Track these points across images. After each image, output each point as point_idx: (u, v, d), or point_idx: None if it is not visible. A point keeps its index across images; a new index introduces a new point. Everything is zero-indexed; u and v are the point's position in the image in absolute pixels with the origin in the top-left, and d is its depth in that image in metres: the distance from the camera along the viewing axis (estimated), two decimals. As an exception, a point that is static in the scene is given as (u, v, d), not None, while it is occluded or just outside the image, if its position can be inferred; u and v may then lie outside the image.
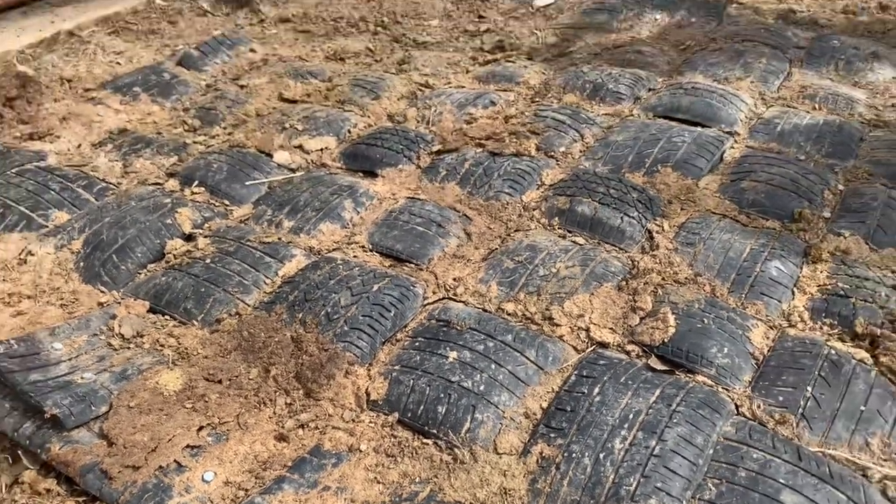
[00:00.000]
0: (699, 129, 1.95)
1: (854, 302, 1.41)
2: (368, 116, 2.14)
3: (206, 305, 1.47)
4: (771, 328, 1.39)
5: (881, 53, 2.33)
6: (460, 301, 1.47)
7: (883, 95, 2.14)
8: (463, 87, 2.29)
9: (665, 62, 2.35)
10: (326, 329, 1.37)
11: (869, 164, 1.81)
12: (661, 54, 2.40)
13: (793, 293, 1.46)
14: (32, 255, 1.62)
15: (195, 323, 1.45)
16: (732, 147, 1.90)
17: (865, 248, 1.56)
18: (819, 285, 1.48)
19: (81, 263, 1.60)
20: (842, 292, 1.44)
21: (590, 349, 1.35)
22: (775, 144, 1.89)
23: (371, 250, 1.62)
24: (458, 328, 1.36)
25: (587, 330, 1.39)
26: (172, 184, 1.85)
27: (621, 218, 1.65)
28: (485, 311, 1.43)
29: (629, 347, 1.35)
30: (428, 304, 1.46)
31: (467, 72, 2.41)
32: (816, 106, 2.07)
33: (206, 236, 1.66)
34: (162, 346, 1.39)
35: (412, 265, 1.57)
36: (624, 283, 1.50)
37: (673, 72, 2.29)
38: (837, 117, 2.00)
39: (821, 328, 1.39)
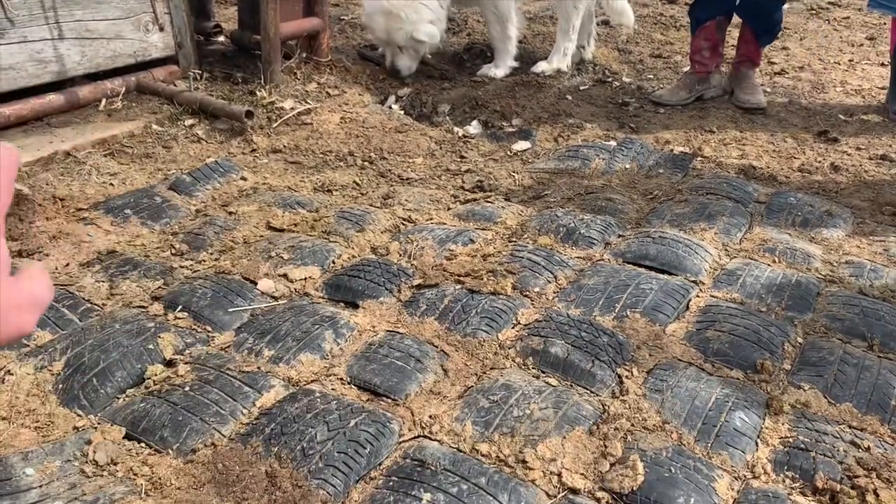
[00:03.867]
0: (666, 276, 2.05)
1: (814, 456, 1.47)
2: (353, 248, 2.22)
3: (183, 434, 1.48)
4: (736, 479, 1.43)
5: (834, 212, 2.50)
6: (435, 440, 1.49)
7: (837, 252, 2.28)
8: (444, 223, 2.39)
9: (634, 210, 2.49)
10: (301, 465, 1.38)
11: (826, 319, 1.91)
12: (630, 202, 2.54)
13: (756, 444, 1.51)
14: (11, 374, 1.62)
15: (170, 452, 1.45)
16: (698, 296, 2.00)
17: (824, 402, 1.63)
18: (781, 437, 1.53)
19: (60, 385, 1.60)
20: (802, 445, 1.50)
21: (561, 495, 1.38)
22: (738, 295, 2.00)
23: (349, 383, 1.65)
24: (433, 469, 1.38)
25: (559, 475, 1.42)
26: (157, 307, 1.89)
27: (592, 361, 1.71)
28: (459, 451, 1.46)
29: (599, 494, 1.38)
30: (403, 441, 1.49)
31: (448, 209, 2.52)
32: (776, 259, 2.20)
33: (186, 363, 1.68)
34: (135, 474, 1.39)
35: (389, 400, 1.60)
36: (595, 427, 1.54)
37: (641, 220, 2.43)
38: (796, 271, 2.12)
39: (783, 481, 1.44)
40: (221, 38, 4.10)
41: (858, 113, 3.56)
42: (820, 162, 3.00)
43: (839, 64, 4.33)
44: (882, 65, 4.24)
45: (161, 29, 3.27)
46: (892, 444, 1.52)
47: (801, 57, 4.44)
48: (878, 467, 1.42)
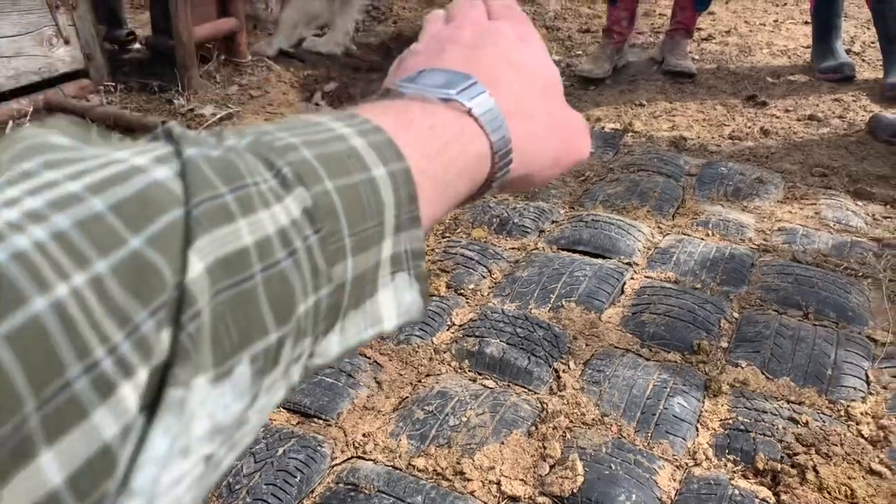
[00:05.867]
0: (600, 260, 2.02)
1: (754, 436, 1.45)
2: (280, 259, 2.14)
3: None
4: (677, 468, 1.41)
5: (765, 178, 2.50)
6: (370, 459, 1.44)
7: (769, 219, 2.27)
8: (374, 223, 2.32)
9: (567, 193, 2.46)
10: (228, 501, 1.32)
11: (761, 290, 1.90)
12: (563, 185, 2.51)
13: (697, 430, 1.49)
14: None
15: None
16: (632, 278, 1.97)
17: (762, 379, 1.62)
18: (721, 419, 1.51)
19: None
20: (742, 426, 1.48)
21: (501, 504, 1.34)
22: (672, 274, 1.98)
23: (278, 406, 1.59)
24: (366, 492, 1.33)
25: (498, 483, 1.37)
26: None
27: (528, 358, 1.67)
28: (395, 468, 1.41)
29: (540, 500, 1.34)
30: (336, 464, 1.43)
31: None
32: (709, 233, 2.18)
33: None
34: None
35: (321, 421, 1.54)
36: (534, 427, 1.50)
37: (574, 203, 2.39)
38: (729, 244, 2.11)
39: (725, 465, 1.42)
40: (137, 46, 3.93)
41: (785, 74, 3.57)
42: (750, 127, 3.00)
43: (765, 25, 4.35)
44: (806, 23, 4.27)
45: (66, 42, 3.11)
46: (830, 415, 1.52)
47: (728, 21, 4.45)
48: (816, 442, 1.41)
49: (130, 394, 0.23)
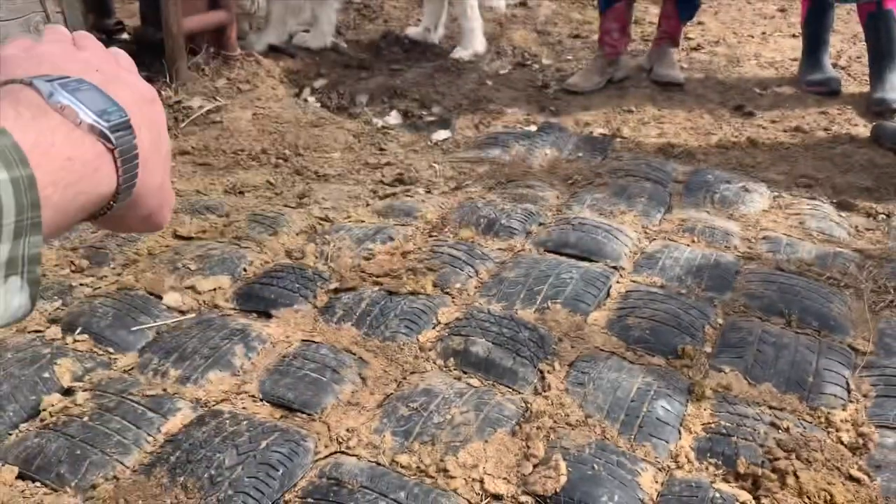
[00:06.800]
0: (587, 264, 2.03)
1: (736, 441, 1.46)
2: (266, 253, 2.13)
3: (81, 470, 1.38)
4: (659, 471, 1.41)
5: (751, 187, 2.52)
6: (353, 455, 1.43)
7: (754, 228, 2.29)
8: (362, 221, 2.32)
9: (554, 196, 2.47)
10: (209, 494, 1.30)
11: (745, 298, 1.92)
12: (550, 188, 2.51)
13: (679, 433, 1.50)
14: None
15: (68, 490, 1.35)
16: (618, 282, 1.98)
17: (745, 384, 1.63)
18: (703, 423, 1.52)
19: (-57, 427, 1.48)
20: (724, 431, 1.49)
21: (484, 502, 1.34)
22: (658, 279, 1.99)
23: (262, 400, 1.57)
24: (350, 487, 1.32)
25: (481, 481, 1.37)
26: (54, 331, 1.76)
27: (513, 358, 1.68)
28: (378, 464, 1.40)
29: (523, 499, 1.34)
30: (319, 459, 1.42)
31: (367, 205, 2.45)
32: (695, 239, 2.20)
33: (85, 390, 1.57)
34: (27, 520, 1.29)
35: (305, 415, 1.53)
36: (518, 427, 1.50)
37: (562, 206, 2.40)
38: (714, 250, 2.13)
39: (706, 469, 1.43)
40: (125, 36, 3.89)
41: (772, 85, 3.61)
42: (737, 137, 3.03)
43: (752, 37, 4.39)
44: (793, 36, 4.32)
45: (54, 29, 3.08)
46: (811, 422, 1.53)
47: (716, 31, 4.49)
48: (797, 448, 1.42)
49: None
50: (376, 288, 1.93)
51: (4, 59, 0.43)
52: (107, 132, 0.40)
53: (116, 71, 0.47)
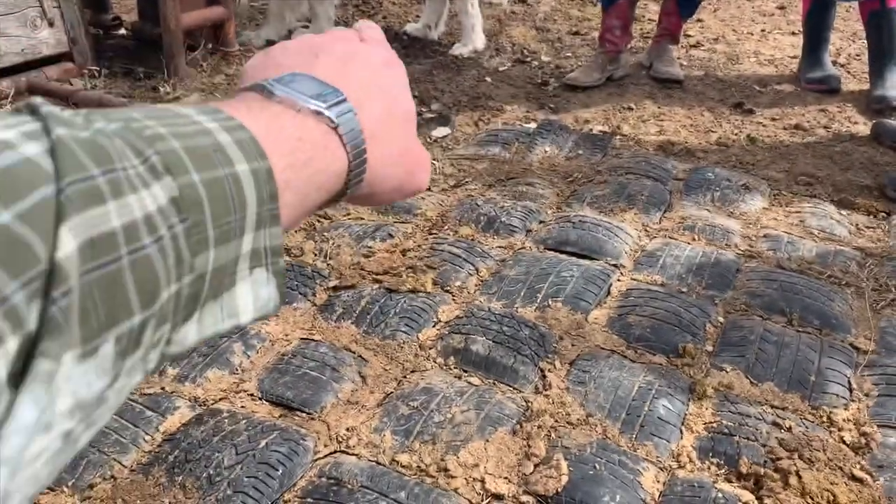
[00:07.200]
0: (587, 262, 2.02)
1: (738, 440, 1.45)
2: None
3: (79, 469, 1.37)
4: (661, 470, 1.41)
5: (751, 185, 2.51)
6: (353, 454, 1.42)
7: (755, 226, 2.28)
8: (362, 218, 2.31)
9: (554, 194, 2.45)
10: (208, 493, 1.29)
11: (746, 296, 1.91)
12: (550, 186, 2.50)
13: (681, 432, 1.49)
14: None
15: (65, 489, 1.34)
16: (619, 280, 1.97)
17: (746, 383, 1.62)
18: (705, 423, 1.52)
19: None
20: (726, 430, 1.48)
21: (485, 502, 1.33)
22: (658, 277, 1.98)
23: (261, 398, 1.56)
24: (349, 487, 1.31)
25: (482, 481, 1.36)
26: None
27: (514, 356, 1.67)
28: (378, 464, 1.39)
29: (524, 498, 1.34)
30: (319, 458, 1.41)
31: (366, 202, 2.43)
32: (696, 237, 2.19)
33: (83, 389, 1.56)
34: (24, 520, 1.28)
35: (304, 414, 1.52)
36: (518, 426, 1.49)
37: (562, 203, 2.39)
38: (715, 248, 2.12)
39: (708, 468, 1.42)
40: (122, 31, 3.88)
41: (772, 83, 3.60)
42: (736, 134, 3.02)
43: (752, 34, 4.38)
44: (793, 34, 4.31)
45: (51, 24, 3.06)
46: (813, 421, 1.52)
47: (716, 28, 4.47)
48: (799, 447, 1.42)
49: None
50: (376, 286, 1.92)
51: (248, 68, 0.47)
52: (324, 111, 0.41)
53: (353, 49, 0.48)
